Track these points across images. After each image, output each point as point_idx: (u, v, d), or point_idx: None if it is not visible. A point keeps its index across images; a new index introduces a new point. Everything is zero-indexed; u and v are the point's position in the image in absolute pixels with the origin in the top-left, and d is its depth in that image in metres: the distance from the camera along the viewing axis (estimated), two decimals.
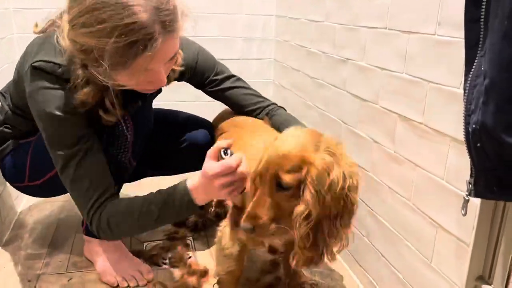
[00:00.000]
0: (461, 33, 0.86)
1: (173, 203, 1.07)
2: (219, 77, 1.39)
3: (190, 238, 1.55)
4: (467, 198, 0.70)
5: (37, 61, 1.06)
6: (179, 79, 1.33)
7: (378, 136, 1.21)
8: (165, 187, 1.11)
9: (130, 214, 1.10)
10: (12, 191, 1.63)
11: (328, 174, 0.85)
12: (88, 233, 1.35)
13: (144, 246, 1.50)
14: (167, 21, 0.94)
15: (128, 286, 1.30)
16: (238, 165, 0.99)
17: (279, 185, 0.89)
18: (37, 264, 1.38)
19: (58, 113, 1.06)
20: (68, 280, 1.31)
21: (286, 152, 0.89)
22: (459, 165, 0.90)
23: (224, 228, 1.14)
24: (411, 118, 1.05)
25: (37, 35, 1.17)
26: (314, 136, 0.92)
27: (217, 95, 1.41)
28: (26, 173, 1.28)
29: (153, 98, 1.34)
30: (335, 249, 0.91)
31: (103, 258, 1.34)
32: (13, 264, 1.38)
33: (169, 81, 1.22)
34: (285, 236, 0.97)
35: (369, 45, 1.23)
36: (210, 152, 1.02)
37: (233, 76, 1.42)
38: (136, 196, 1.13)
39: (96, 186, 1.11)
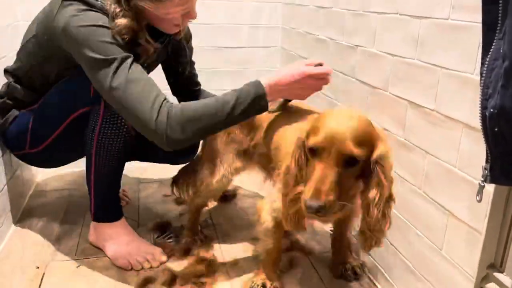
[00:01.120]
0: (475, 17, 0.85)
1: (247, 95, 1.09)
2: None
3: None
4: (482, 184, 0.69)
5: None
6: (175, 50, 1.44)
7: (388, 123, 1.19)
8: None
9: (204, 105, 1.08)
10: (21, 178, 1.63)
11: (390, 156, 0.89)
12: (97, 218, 1.36)
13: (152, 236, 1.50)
14: None
15: (142, 268, 1.30)
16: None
17: (348, 161, 0.86)
18: (45, 251, 1.39)
19: (103, 24, 1.08)
20: (77, 267, 1.32)
21: (356, 126, 0.86)
22: (472, 151, 0.89)
23: (261, 204, 1.17)
24: (422, 105, 1.04)
25: None
26: (366, 116, 0.93)
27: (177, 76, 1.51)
28: (27, 140, 1.31)
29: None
30: (386, 227, 0.94)
31: (113, 242, 1.34)
32: (21, 250, 1.39)
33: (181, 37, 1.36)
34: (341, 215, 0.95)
35: (380, 31, 1.21)
36: (304, 62, 1.16)
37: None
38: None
39: (154, 86, 1.09)
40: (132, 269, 1.31)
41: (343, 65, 1.44)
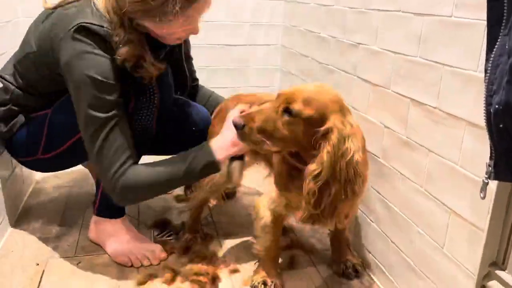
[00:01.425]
0: (478, 15, 0.85)
1: (196, 161, 1.15)
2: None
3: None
4: (486, 181, 0.69)
5: (82, 23, 1.08)
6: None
7: (390, 121, 1.19)
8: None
9: (154, 176, 1.15)
10: (20, 176, 1.63)
11: (344, 141, 0.91)
12: (100, 212, 1.37)
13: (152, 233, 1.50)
14: None
15: (142, 265, 1.31)
16: None
17: (286, 108, 0.95)
18: (45, 248, 1.38)
19: (101, 77, 1.08)
20: (77, 264, 1.32)
21: (315, 94, 0.95)
22: (474, 149, 0.88)
23: (259, 200, 1.19)
24: (424, 102, 1.04)
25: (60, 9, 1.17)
26: (341, 99, 0.99)
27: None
28: (40, 145, 1.28)
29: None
30: (341, 216, 0.97)
31: (114, 239, 1.34)
32: (21, 248, 1.38)
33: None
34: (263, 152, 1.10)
35: (381, 28, 1.21)
36: (234, 112, 1.17)
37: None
38: (159, 161, 1.18)
39: (124, 150, 1.13)
40: (132, 266, 1.31)
41: (345, 63, 1.43)
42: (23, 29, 1.77)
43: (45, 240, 1.43)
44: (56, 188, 1.79)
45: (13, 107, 1.28)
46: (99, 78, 1.08)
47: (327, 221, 0.96)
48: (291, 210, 1.13)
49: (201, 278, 1.25)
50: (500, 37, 0.63)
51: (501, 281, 0.87)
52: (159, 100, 1.24)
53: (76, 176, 1.88)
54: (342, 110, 0.97)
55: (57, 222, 1.54)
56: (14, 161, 1.57)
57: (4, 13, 1.57)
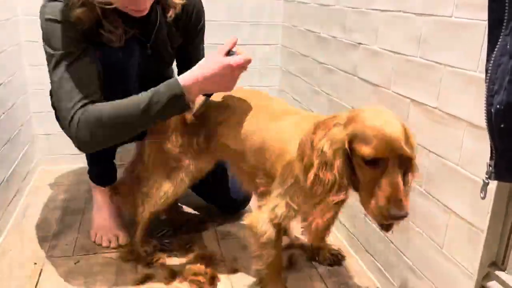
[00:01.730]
0: (479, 15, 0.85)
1: (162, 95, 1.07)
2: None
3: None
4: (487, 181, 0.69)
5: None
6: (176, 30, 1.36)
7: None
8: None
9: (115, 105, 1.08)
10: (19, 174, 1.62)
11: None
12: (91, 178, 1.46)
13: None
14: None
15: (100, 244, 1.40)
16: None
17: (404, 164, 0.87)
18: (43, 247, 1.38)
19: (56, 17, 1.10)
20: (75, 263, 1.31)
21: (401, 126, 0.86)
22: (474, 150, 0.88)
23: (256, 215, 1.10)
24: (425, 103, 1.04)
25: None
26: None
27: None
28: None
29: (144, 55, 1.30)
30: None
31: (98, 212, 1.46)
32: (19, 247, 1.38)
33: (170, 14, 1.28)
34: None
35: (382, 28, 1.21)
36: (221, 49, 1.11)
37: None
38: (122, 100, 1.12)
39: (83, 87, 1.10)
40: (94, 241, 1.41)
41: (345, 63, 1.43)
42: (23, 27, 1.77)
43: (43, 239, 1.43)
44: (55, 187, 1.78)
45: None
46: (51, 17, 1.11)
47: None
48: (296, 217, 1.09)
49: (200, 278, 1.25)
50: (501, 37, 0.63)
51: (501, 281, 0.87)
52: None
53: (74, 175, 1.88)
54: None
55: (56, 221, 1.54)
56: (13, 158, 1.57)
57: (3, 12, 1.57)
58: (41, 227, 1.49)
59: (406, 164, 0.87)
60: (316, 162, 0.90)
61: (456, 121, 0.93)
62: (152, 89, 1.09)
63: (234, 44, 1.14)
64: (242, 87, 1.32)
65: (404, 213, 0.83)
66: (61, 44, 1.11)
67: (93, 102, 1.10)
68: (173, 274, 1.26)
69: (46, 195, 1.72)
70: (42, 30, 1.14)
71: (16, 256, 1.33)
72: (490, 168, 0.66)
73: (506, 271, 0.88)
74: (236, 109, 1.21)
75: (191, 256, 1.35)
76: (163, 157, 1.25)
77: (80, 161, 1.92)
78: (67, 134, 1.14)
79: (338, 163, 0.88)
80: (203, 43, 1.48)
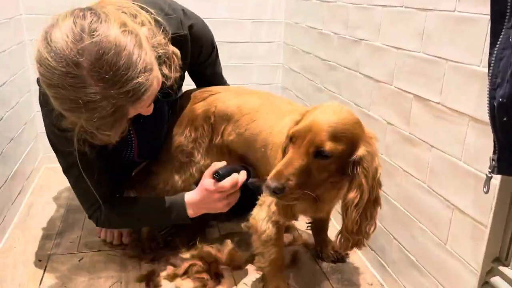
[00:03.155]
0: (482, 9, 0.84)
1: (170, 214, 1.19)
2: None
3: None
4: (490, 175, 0.68)
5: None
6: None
7: (393, 117, 1.18)
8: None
9: (129, 215, 1.23)
10: (23, 173, 1.63)
11: (374, 160, 0.88)
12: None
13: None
14: (131, 95, 0.89)
15: (104, 240, 1.42)
16: (236, 184, 1.14)
17: (317, 152, 0.86)
18: (47, 245, 1.39)
19: (53, 129, 1.09)
20: (79, 260, 1.32)
21: (339, 125, 0.85)
22: (477, 145, 0.88)
23: (256, 214, 1.13)
24: (427, 98, 1.03)
25: None
26: (357, 117, 0.91)
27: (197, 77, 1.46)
28: None
29: (162, 103, 1.26)
30: (371, 231, 0.94)
31: None
32: (23, 244, 1.39)
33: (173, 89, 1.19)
34: (306, 203, 1.00)
35: (384, 24, 1.21)
36: (208, 172, 1.17)
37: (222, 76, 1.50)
38: (135, 198, 1.27)
39: (96, 189, 1.18)
40: (100, 237, 1.43)
41: (347, 59, 1.43)
42: (26, 26, 1.77)
43: (47, 236, 1.43)
44: (59, 185, 1.79)
45: None
46: (53, 129, 1.10)
47: (364, 240, 0.95)
48: (295, 216, 1.09)
49: (203, 275, 1.25)
50: (503, 30, 0.62)
51: (504, 277, 0.87)
52: (137, 140, 1.25)
53: None
54: (362, 127, 0.91)
55: (60, 219, 1.54)
56: (17, 157, 1.58)
57: (6, 10, 1.57)
58: (45, 225, 1.50)
59: (319, 153, 0.85)
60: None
61: (459, 116, 0.93)
62: (161, 205, 1.20)
63: (224, 165, 1.18)
64: (243, 86, 1.32)
65: (273, 186, 0.85)
66: (67, 153, 1.12)
67: (107, 199, 1.20)
68: (176, 270, 1.27)
69: (50, 193, 1.72)
70: (48, 140, 1.16)
71: (21, 253, 1.34)
72: (493, 162, 0.65)
73: (509, 267, 0.88)
74: (244, 110, 1.22)
75: (194, 253, 1.35)
76: (173, 151, 1.28)
77: None
78: None
79: (283, 144, 0.95)
80: (214, 59, 1.42)
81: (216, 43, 1.41)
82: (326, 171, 0.88)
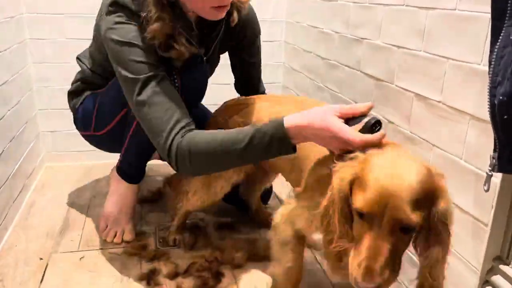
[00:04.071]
0: (483, 7, 0.84)
1: (264, 135, 0.95)
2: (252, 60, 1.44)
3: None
4: (490, 173, 0.68)
5: None
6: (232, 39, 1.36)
7: (394, 116, 1.18)
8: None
9: (214, 140, 1.00)
10: (24, 171, 1.63)
11: (452, 213, 0.76)
12: (118, 171, 1.42)
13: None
14: None
15: (105, 238, 1.41)
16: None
17: (403, 228, 0.71)
18: (49, 243, 1.39)
19: (134, 41, 1.10)
20: (80, 259, 1.32)
21: (415, 184, 0.69)
22: (478, 143, 0.88)
23: (281, 211, 1.03)
24: (428, 97, 1.03)
25: None
26: (424, 164, 0.76)
27: (237, 65, 1.47)
28: (92, 121, 1.39)
29: (207, 71, 1.35)
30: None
31: (113, 200, 1.44)
32: (24, 243, 1.39)
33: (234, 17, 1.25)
34: None
35: (385, 23, 1.21)
36: (341, 109, 0.89)
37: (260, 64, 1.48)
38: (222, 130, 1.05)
39: (175, 110, 1.06)
40: (102, 231, 1.42)
41: (348, 58, 1.43)
42: (27, 25, 1.78)
43: (48, 235, 1.44)
44: (60, 183, 1.79)
45: (81, 84, 1.42)
46: (127, 41, 1.10)
47: None
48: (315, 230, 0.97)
49: (204, 273, 1.26)
50: (504, 28, 0.62)
51: (505, 275, 0.87)
52: (180, 89, 1.19)
53: (80, 172, 1.89)
54: (433, 175, 0.74)
55: (61, 217, 1.55)
56: (18, 155, 1.58)
57: (7, 9, 1.58)
58: (47, 223, 1.50)
59: (404, 229, 0.71)
60: (328, 195, 0.80)
61: (460, 114, 0.93)
62: (254, 126, 0.98)
63: (368, 109, 0.89)
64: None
65: (371, 286, 0.70)
66: (142, 66, 1.09)
67: (188, 127, 1.06)
68: (177, 269, 1.27)
69: (52, 192, 1.73)
70: (113, 52, 1.12)
71: (22, 251, 1.34)
72: (494, 160, 0.65)
73: (510, 265, 0.88)
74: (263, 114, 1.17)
75: (196, 252, 1.36)
76: None
77: (85, 158, 1.94)
78: (164, 159, 1.14)
79: (338, 207, 0.78)
80: (259, 52, 1.47)
81: None
82: (407, 242, 0.76)
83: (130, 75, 1.09)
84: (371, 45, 1.28)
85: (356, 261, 0.72)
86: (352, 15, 1.40)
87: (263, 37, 2.09)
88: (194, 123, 1.09)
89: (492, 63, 0.64)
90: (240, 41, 1.39)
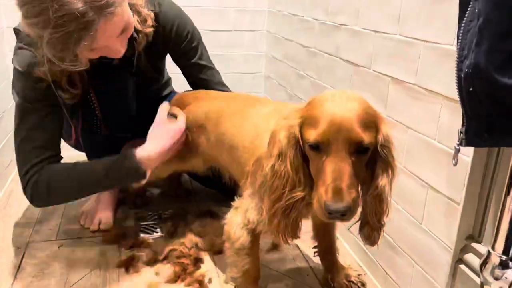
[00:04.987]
0: None
1: (121, 166, 1.12)
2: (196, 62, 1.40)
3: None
4: (458, 147, 0.69)
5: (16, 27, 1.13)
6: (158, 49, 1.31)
7: (371, 101, 1.16)
8: None
9: (72, 171, 1.13)
10: (2, 161, 1.61)
11: (391, 135, 0.80)
12: None
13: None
14: (103, 5, 0.92)
15: (83, 225, 1.42)
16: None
17: (358, 149, 0.74)
18: (26, 232, 1.37)
19: (25, 69, 1.09)
20: (58, 247, 1.30)
21: (358, 108, 0.74)
22: (450, 124, 0.89)
23: (230, 219, 1.04)
24: (403, 80, 1.04)
25: None
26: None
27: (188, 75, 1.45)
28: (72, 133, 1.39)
29: (131, 83, 1.31)
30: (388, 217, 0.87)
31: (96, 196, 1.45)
32: (2, 232, 1.37)
33: (140, 46, 1.22)
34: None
35: (363, 8, 1.21)
36: (162, 117, 1.21)
37: (210, 68, 1.44)
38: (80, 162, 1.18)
39: (45, 149, 1.13)
40: (79, 221, 1.43)
41: (328, 45, 1.43)
42: (7, 38, 1.74)
43: (26, 224, 1.42)
44: None
45: None
46: (25, 70, 1.09)
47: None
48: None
49: (184, 259, 1.25)
50: (471, 3, 0.63)
51: (478, 253, 0.88)
52: (100, 110, 1.26)
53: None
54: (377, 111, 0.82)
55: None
56: None
57: None
58: (25, 213, 1.48)
59: (359, 149, 0.74)
60: (274, 152, 0.81)
61: (433, 95, 0.94)
62: (109, 160, 1.13)
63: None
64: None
65: (343, 207, 0.71)
66: (31, 97, 1.11)
67: (49, 163, 1.13)
68: (157, 256, 1.26)
69: None
70: (13, 77, 1.14)
71: None
72: (461, 134, 0.66)
73: (482, 243, 0.89)
74: (211, 115, 1.20)
75: (175, 238, 1.35)
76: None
77: (63, 148, 1.91)
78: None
79: (289, 153, 0.79)
80: (200, 50, 1.40)
81: (200, 31, 1.40)
82: (364, 165, 0.79)
83: (15, 97, 1.13)
84: (350, 31, 1.29)
85: (322, 189, 0.74)
86: (331, 2, 1.40)
87: (245, 26, 2.10)
88: (58, 160, 1.17)
89: (459, 38, 0.64)
90: (173, 47, 1.34)
